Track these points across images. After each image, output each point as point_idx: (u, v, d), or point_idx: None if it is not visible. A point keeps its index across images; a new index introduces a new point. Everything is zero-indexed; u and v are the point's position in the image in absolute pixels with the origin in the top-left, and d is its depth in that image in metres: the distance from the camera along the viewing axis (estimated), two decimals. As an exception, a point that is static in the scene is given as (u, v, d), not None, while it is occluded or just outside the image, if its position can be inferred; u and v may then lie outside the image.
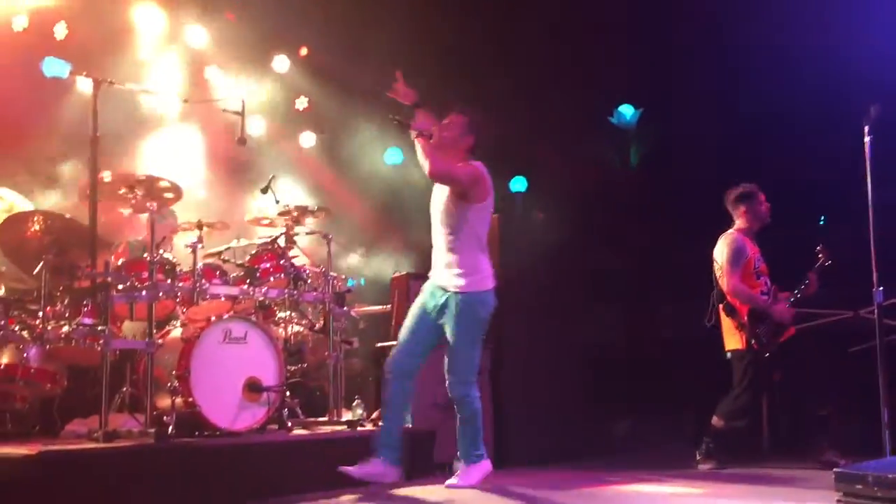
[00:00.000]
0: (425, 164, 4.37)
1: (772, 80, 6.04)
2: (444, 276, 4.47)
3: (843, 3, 5.83)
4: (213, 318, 4.75)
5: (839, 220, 5.28)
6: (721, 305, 5.46)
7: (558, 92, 7.50)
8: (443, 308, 4.43)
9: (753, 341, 5.28)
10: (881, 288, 4.05)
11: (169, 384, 4.54)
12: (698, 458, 5.38)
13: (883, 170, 4.12)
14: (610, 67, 7.26)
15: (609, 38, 7.24)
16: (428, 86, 7.46)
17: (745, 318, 5.32)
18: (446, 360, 4.46)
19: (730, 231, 5.55)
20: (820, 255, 5.48)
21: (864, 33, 5.71)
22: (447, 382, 4.46)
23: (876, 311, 4.04)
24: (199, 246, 4.97)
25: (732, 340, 5.42)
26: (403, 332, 4.55)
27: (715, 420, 5.41)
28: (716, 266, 5.53)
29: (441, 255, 4.52)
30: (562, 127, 7.58)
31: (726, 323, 5.45)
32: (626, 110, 8.31)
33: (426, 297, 4.53)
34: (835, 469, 3.32)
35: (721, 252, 5.49)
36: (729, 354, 5.45)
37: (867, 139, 4.12)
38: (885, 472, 2.69)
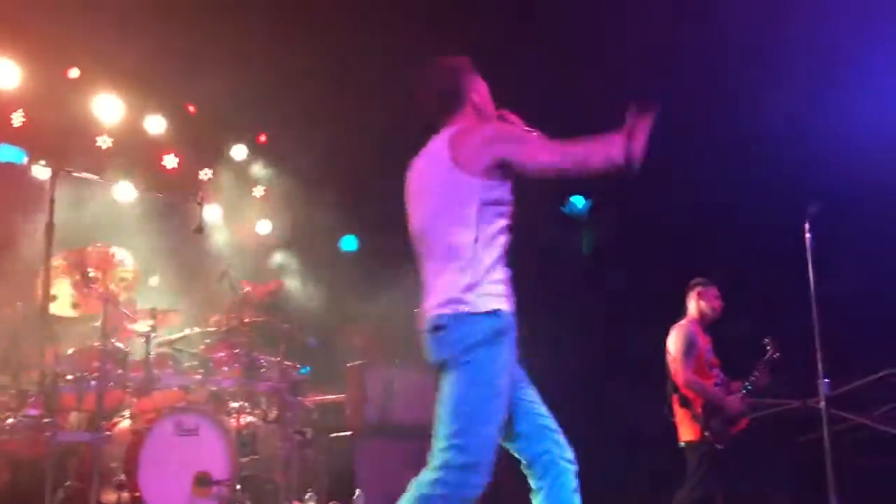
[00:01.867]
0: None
1: (718, 175, 6.25)
2: None
3: (784, 102, 6.11)
4: (164, 410, 4.66)
5: (785, 312, 5.43)
6: (675, 396, 5.52)
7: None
8: None
9: (707, 433, 5.33)
10: (827, 380, 4.15)
11: (115, 478, 4.42)
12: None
13: (823, 264, 4.27)
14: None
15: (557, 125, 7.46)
16: (380, 181, 7.63)
17: (700, 409, 5.38)
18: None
19: (682, 322, 5.65)
20: (768, 348, 5.59)
21: (806, 132, 5.99)
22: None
23: (823, 402, 4.13)
24: (153, 335, 4.92)
25: (687, 431, 5.46)
26: None
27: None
28: (669, 357, 5.61)
29: None
30: (515, 215, 7.72)
31: (680, 414, 5.50)
32: (578, 200, 8.52)
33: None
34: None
35: (674, 343, 5.57)
36: (683, 445, 5.48)
37: (808, 235, 4.29)
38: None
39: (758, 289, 6.03)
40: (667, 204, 6.55)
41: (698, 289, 5.66)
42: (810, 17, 5.87)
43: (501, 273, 2.90)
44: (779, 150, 6.06)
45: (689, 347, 5.46)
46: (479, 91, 3.12)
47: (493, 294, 2.84)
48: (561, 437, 2.96)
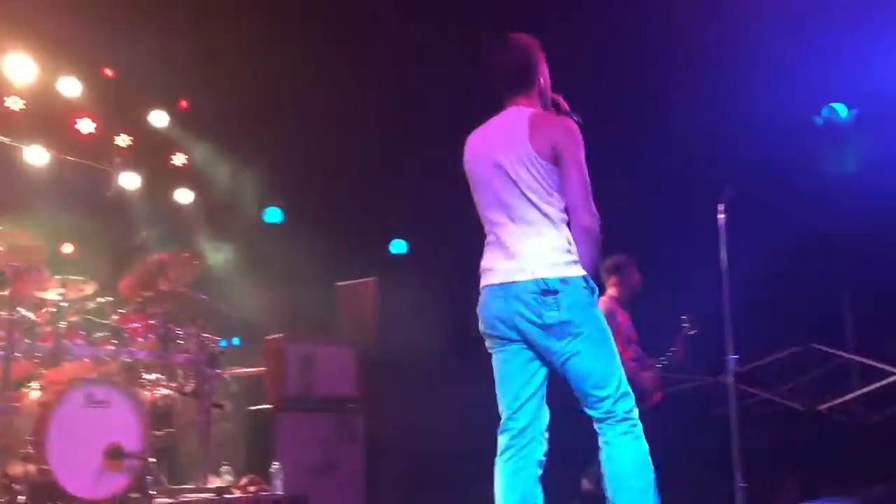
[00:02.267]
0: None
1: (634, 159, 6.37)
2: None
3: (698, 85, 6.26)
4: (74, 381, 4.53)
5: (702, 291, 5.60)
6: None
7: (439, 156, 7.66)
8: None
9: None
10: (736, 356, 4.29)
11: (22, 451, 4.28)
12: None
13: (736, 244, 4.40)
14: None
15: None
16: (311, 154, 7.53)
17: None
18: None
19: (602, 297, 5.76)
20: (685, 325, 5.74)
21: (720, 115, 6.15)
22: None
23: (730, 376, 4.27)
24: (63, 304, 4.76)
25: None
26: None
27: (585, 484, 5.52)
28: None
29: None
30: (441, 191, 7.73)
31: None
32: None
33: None
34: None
35: None
36: None
37: (721, 216, 4.41)
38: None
39: (675, 268, 6.17)
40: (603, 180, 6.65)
41: (618, 266, 5.78)
42: (720, 8, 6.02)
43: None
44: (695, 135, 6.20)
45: (608, 320, 5.57)
46: (544, 74, 3.27)
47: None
48: None
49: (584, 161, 3.11)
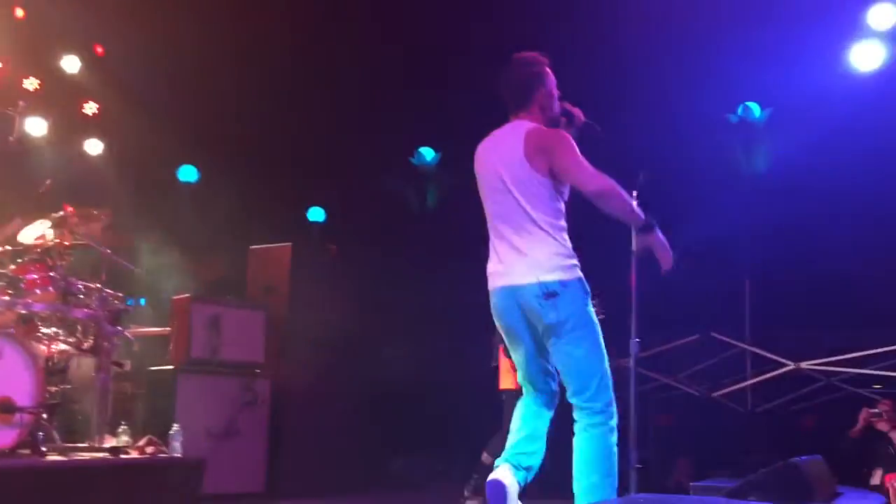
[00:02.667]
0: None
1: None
2: None
3: (619, 73, 6.37)
4: (-36, 330, 4.34)
5: (612, 275, 5.72)
6: (501, 346, 5.72)
7: (361, 128, 7.61)
8: None
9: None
10: (638, 339, 4.38)
11: None
12: (466, 493, 5.55)
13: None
14: (411, 111, 7.46)
15: (413, 82, 7.45)
16: (228, 113, 7.35)
17: None
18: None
19: None
20: (594, 308, 5.85)
21: (637, 108, 6.27)
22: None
23: (632, 359, 4.37)
24: (-44, 250, 4.55)
25: (507, 380, 5.68)
26: None
27: (484, 457, 5.61)
28: None
29: None
30: (363, 163, 7.68)
31: (504, 364, 5.71)
32: (427, 152, 8.56)
33: None
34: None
35: None
36: (504, 394, 5.69)
37: (635, 203, 4.49)
38: (626, 509, 2.93)
39: (587, 251, 6.29)
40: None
41: None
42: (643, 4, 6.14)
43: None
44: (613, 125, 6.31)
45: None
46: (547, 89, 3.60)
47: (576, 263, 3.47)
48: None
49: (575, 150, 3.45)
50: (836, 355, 5.91)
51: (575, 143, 3.51)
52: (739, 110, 7.05)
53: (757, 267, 6.61)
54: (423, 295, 7.28)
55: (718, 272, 6.36)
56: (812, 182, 6.21)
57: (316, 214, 8.56)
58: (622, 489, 4.32)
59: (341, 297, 6.20)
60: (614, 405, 3.47)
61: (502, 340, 5.66)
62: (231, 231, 7.06)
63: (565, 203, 3.57)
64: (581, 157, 3.45)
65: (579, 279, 3.44)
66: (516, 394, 5.57)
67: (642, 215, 3.56)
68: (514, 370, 5.57)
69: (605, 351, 3.51)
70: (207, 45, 6.84)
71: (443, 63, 7.29)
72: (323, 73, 7.29)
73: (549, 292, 3.37)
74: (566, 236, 3.50)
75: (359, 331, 6.35)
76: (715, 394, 6.39)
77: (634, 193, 4.48)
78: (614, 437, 3.45)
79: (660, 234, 3.57)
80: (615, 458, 3.43)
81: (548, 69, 3.63)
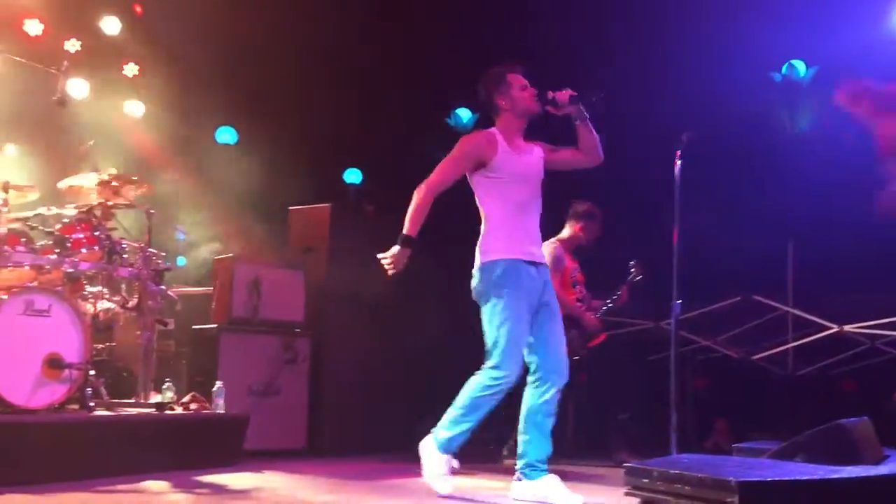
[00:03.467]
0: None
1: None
2: None
3: (660, 36, 6.25)
4: (14, 289, 4.43)
5: (651, 239, 5.67)
6: None
7: (396, 89, 7.56)
8: None
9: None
10: (679, 301, 4.36)
11: (-42, 355, 4.20)
12: (505, 453, 5.59)
13: (691, 194, 4.43)
14: (448, 72, 7.38)
15: (449, 43, 7.37)
16: (266, 75, 7.34)
17: None
18: None
19: (551, 240, 5.80)
20: (632, 270, 5.83)
21: (681, 69, 6.15)
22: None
23: (672, 321, 4.35)
24: (4, 209, 4.63)
25: None
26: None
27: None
28: None
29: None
30: (397, 124, 7.65)
31: None
32: (464, 113, 8.50)
33: None
34: (624, 465, 3.56)
35: None
36: None
37: (678, 164, 4.43)
38: (667, 468, 2.93)
39: (630, 214, 6.24)
40: (545, 135, 6.64)
41: (583, 220, 5.80)
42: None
43: None
44: (657, 86, 6.22)
45: (556, 263, 5.64)
46: (506, 92, 4.08)
47: None
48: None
49: (451, 154, 4.09)
50: (880, 318, 5.81)
51: (485, 141, 4.05)
52: (784, 69, 6.89)
53: (799, 228, 6.49)
54: (459, 255, 7.26)
55: (760, 234, 6.27)
56: (857, 143, 6.07)
57: (353, 176, 8.57)
58: (663, 450, 4.33)
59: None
60: (496, 372, 3.97)
61: None
62: (270, 192, 7.09)
63: (516, 195, 4.05)
64: (444, 162, 4.08)
65: (482, 263, 4.06)
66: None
67: (405, 231, 4.05)
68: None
69: (503, 325, 3.98)
70: (245, 4, 6.82)
71: (478, 24, 7.22)
72: (362, 31, 7.24)
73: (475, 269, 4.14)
74: (503, 228, 4.03)
75: (396, 290, 6.36)
76: (755, 356, 6.33)
77: (678, 154, 4.44)
78: (484, 391, 3.97)
79: (406, 252, 4.04)
80: (476, 408, 3.99)
81: (508, 74, 4.08)
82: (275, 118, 7.46)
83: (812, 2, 6.27)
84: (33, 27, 6.70)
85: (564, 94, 4.00)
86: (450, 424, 4.02)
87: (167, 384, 5.08)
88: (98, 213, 5.10)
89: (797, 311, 6.32)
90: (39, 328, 4.41)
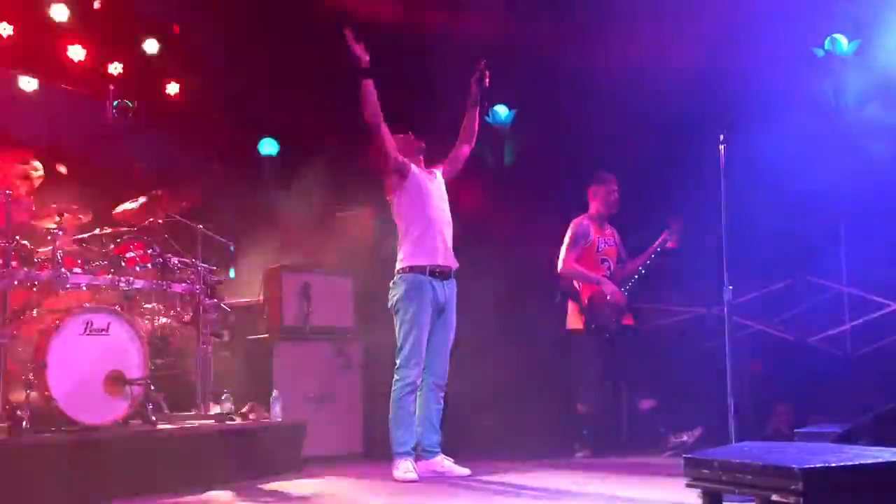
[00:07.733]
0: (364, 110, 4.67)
1: (639, 87, 6.28)
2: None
3: (704, 18, 6.15)
4: (73, 309, 4.55)
5: (696, 222, 5.61)
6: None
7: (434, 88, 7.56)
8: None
9: (593, 325, 5.58)
10: (731, 287, 4.30)
11: (24, 377, 4.32)
12: (576, 447, 5.60)
13: (736, 175, 4.38)
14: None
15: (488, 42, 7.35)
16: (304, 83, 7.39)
17: (586, 301, 5.63)
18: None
19: (580, 216, 5.86)
20: (669, 228, 5.73)
21: (723, 49, 6.06)
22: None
23: (726, 307, 4.30)
24: (59, 233, 4.75)
25: (574, 320, 5.72)
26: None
27: (580, 408, 5.65)
28: None
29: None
30: (437, 123, 7.65)
31: (571, 306, 5.76)
32: (502, 110, 8.48)
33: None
34: (684, 456, 3.52)
35: (566, 235, 5.79)
36: (569, 334, 5.73)
37: (722, 146, 4.38)
38: (728, 458, 2.89)
39: (676, 199, 6.17)
40: (587, 117, 6.59)
41: (592, 186, 5.86)
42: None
43: None
44: (700, 63, 6.13)
45: (577, 238, 5.72)
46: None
47: None
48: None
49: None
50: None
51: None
52: (826, 44, 6.74)
53: (851, 207, 6.35)
54: (506, 253, 7.25)
55: (812, 215, 6.16)
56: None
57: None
58: (722, 439, 4.28)
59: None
60: (402, 382, 4.86)
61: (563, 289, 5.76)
62: (314, 201, 7.15)
63: (412, 212, 4.82)
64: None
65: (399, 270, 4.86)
66: (581, 336, 5.62)
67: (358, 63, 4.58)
68: (580, 312, 5.63)
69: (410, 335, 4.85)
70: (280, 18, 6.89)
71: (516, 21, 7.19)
72: (394, 41, 7.27)
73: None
74: (410, 242, 4.81)
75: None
76: (811, 339, 6.22)
77: (722, 137, 4.39)
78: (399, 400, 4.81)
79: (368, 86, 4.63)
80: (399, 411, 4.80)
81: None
82: (315, 126, 7.53)
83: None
84: (76, 53, 6.86)
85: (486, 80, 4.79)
86: (391, 430, 4.73)
87: (225, 395, 5.18)
88: (149, 231, 5.21)
89: (853, 290, 6.19)
90: (100, 346, 4.52)
